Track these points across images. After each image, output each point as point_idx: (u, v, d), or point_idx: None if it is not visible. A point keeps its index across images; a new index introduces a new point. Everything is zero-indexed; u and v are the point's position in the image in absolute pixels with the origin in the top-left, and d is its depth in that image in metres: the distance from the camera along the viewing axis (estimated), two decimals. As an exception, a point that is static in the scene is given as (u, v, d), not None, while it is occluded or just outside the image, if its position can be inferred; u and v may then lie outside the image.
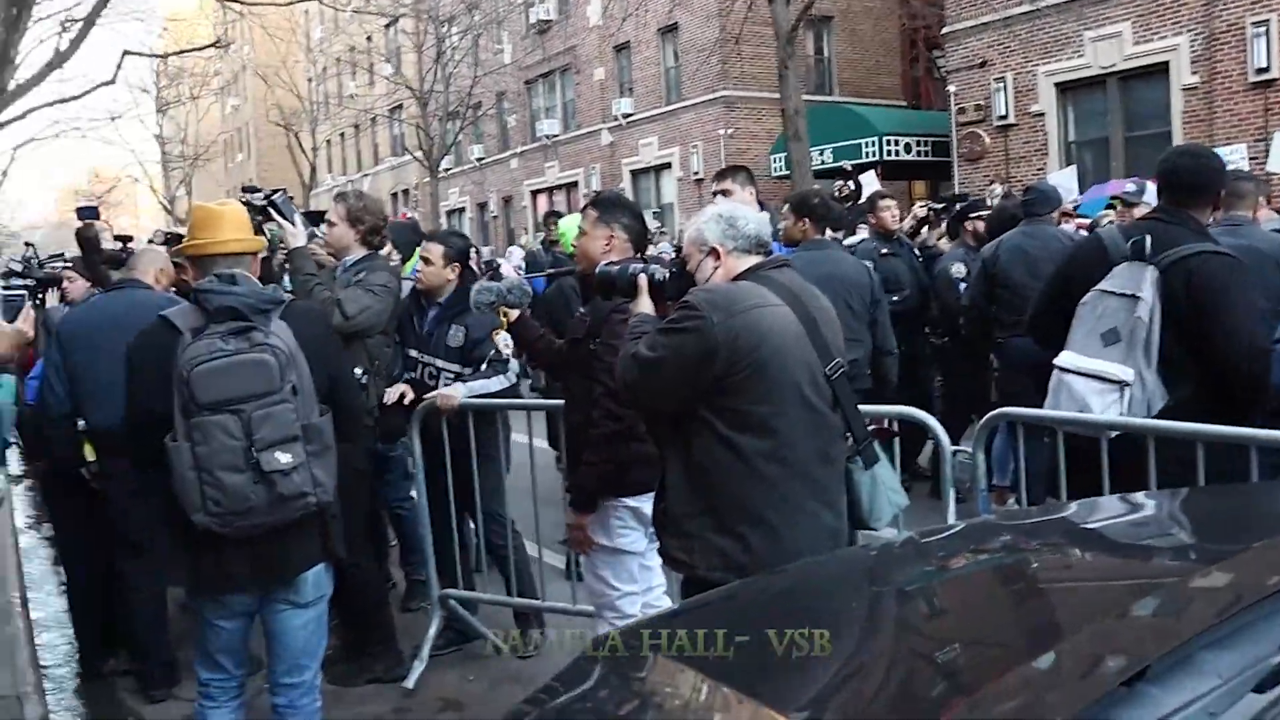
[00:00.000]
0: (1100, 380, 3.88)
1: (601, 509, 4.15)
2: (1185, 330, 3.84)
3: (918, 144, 23.78)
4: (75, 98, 20.50)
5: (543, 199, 35.78)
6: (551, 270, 6.82)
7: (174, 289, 5.37)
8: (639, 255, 4.19)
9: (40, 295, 7.32)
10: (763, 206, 6.21)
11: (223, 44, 23.88)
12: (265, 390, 3.28)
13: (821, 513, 3.12)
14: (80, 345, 5.09)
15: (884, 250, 8.20)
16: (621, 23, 21.88)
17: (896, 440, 4.41)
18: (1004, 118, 20.62)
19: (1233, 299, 3.84)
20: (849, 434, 3.24)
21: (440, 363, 5.57)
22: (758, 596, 2.52)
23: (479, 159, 38.60)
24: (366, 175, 47.78)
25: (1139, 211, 7.23)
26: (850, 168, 17.79)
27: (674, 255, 7.58)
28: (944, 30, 21.74)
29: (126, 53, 21.07)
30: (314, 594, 3.65)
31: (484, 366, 5.53)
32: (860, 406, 3.31)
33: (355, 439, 3.97)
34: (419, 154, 34.19)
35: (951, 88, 21.90)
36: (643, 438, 3.75)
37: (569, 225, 5.25)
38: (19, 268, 9.05)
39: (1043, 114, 20.05)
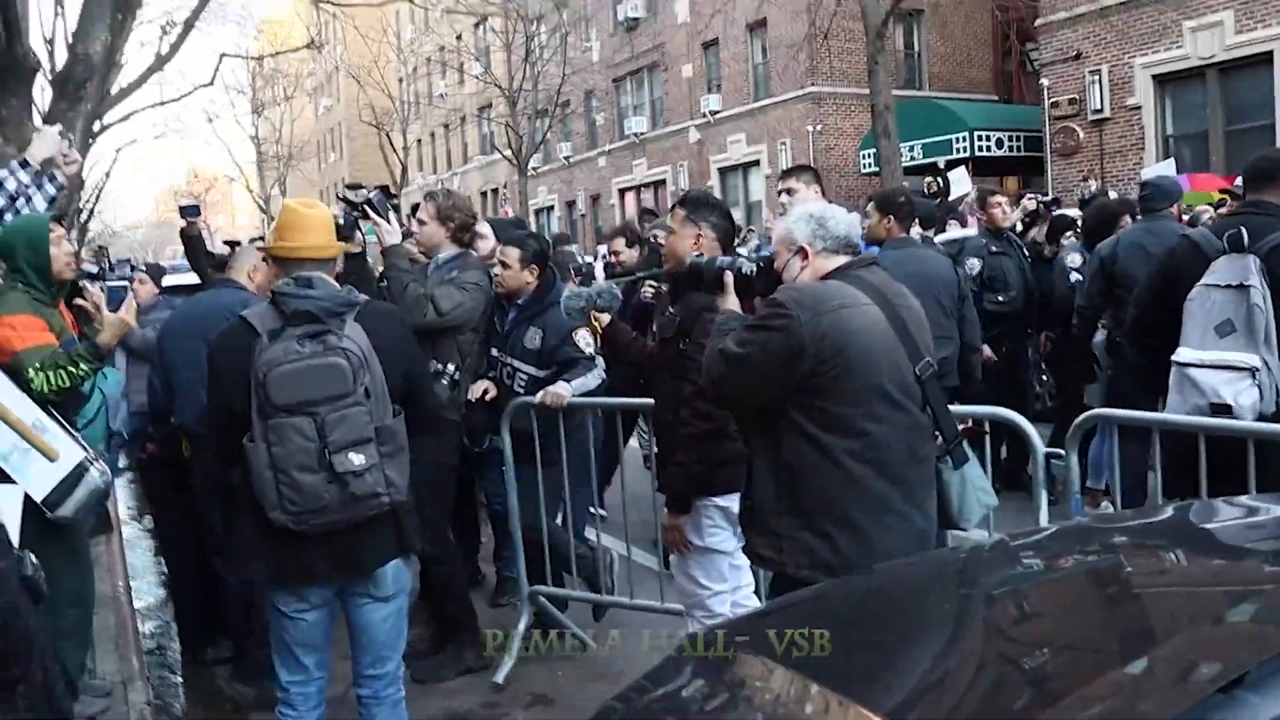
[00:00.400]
0: (1228, 370, 3.90)
1: (692, 508, 4.18)
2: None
3: (1009, 139, 23.43)
4: (176, 100, 21.12)
5: (630, 197, 35.88)
6: (639, 273, 6.82)
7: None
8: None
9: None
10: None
11: (316, 45, 24.35)
12: (339, 393, 3.35)
13: (910, 513, 3.11)
14: (171, 343, 5.25)
15: (993, 248, 8.08)
16: (710, 19, 21.86)
17: (988, 441, 4.35)
18: (1099, 111, 20.23)
19: None
20: (938, 433, 3.23)
21: (517, 363, 5.61)
22: (848, 596, 2.53)
23: (567, 157, 38.81)
24: (456, 174, 48.28)
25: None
26: (943, 165, 17.66)
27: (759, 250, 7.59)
28: (1037, 22, 21.39)
29: (224, 55, 21.63)
30: (394, 588, 3.72)
31: (575, 367, 5.58)
32: (950, 406, 3.30)
33: (433, 436, 4.03)
34: (508, 152, 34.45)
35: (1045, 81, 21.53)
36: (734, 436, 3.76)
37: None
38: (93, 269, 9.32)
39: (1139, 107, 19.63)
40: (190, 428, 5.07)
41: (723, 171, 31.27)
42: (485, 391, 5.50)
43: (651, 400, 4.66)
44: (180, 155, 65.64)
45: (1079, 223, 8.50)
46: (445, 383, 5.14)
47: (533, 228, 32.08)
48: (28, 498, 4.04)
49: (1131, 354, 6.34)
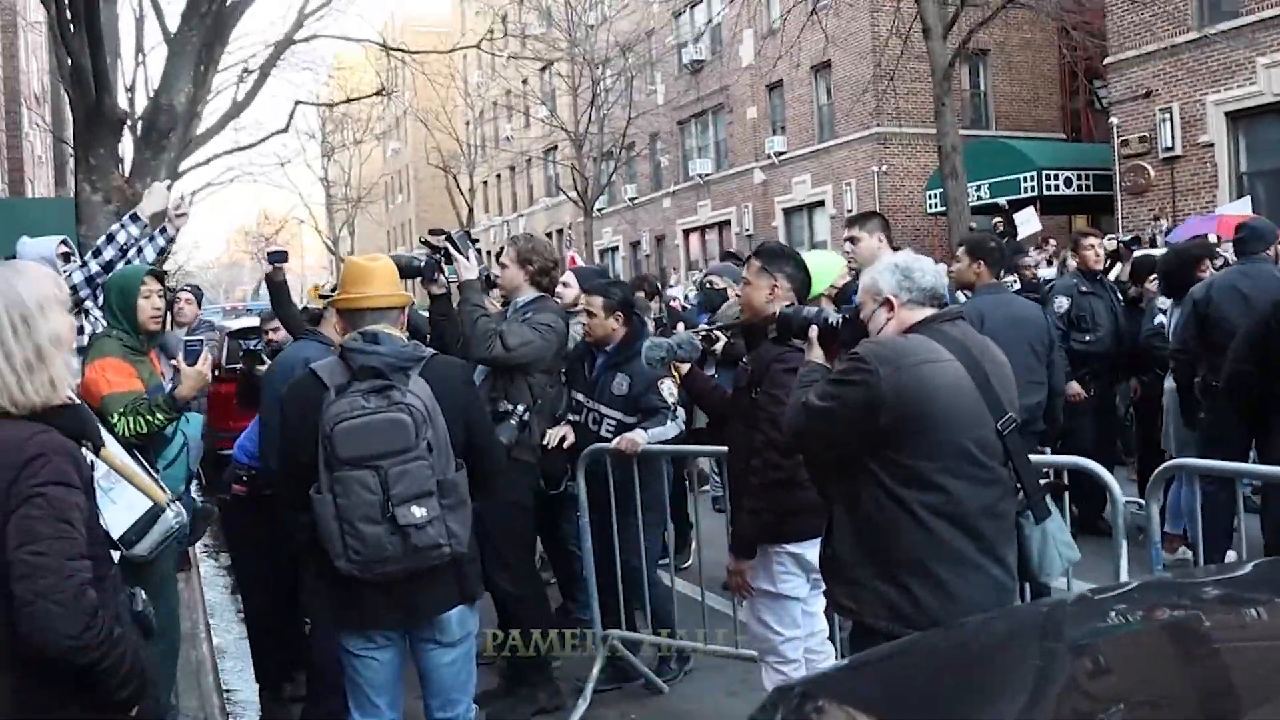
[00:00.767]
0: None
1: (764, 554, 4.20)
2: None
3: (1078, 178, 23.24)
4: (252, 145, 21.53)
5: (695, 238, 36.04)
6: (722, 324, 6.83)
7: None
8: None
9: None
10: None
11: (387, 92, 24.76)
12: (402, 448, 3.44)
13: (990, 567, 3.10)
14: (266, 391, 5.39)
15: (1084, 288, 8.00)
16: (775, 63, 21.94)
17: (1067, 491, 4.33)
18: (1170, 149, 20.06)
19: None
20: (1020, 488, 3.22)
21: (605, 409, 5.67)
22: (932, 652, 2.54)
23: (632, 198, 39.07)
24: (522, 215, 48.76)
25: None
26: (1006, 204, 17.56)
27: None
28: (1106, 60, 21.26)
29: (298, 103, 22.04)
30: (459, 633, 3.78)
31: (656, 415, 5.64)
32: (1032, 455, 3.29)
33: (493, 486, 4.09)
34: (573, 194, 34.76)
35: (1114, 119, 21.40)
36: (805, 484, 3.79)
37: (824, 264, 4.93)
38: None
39: (1212, 144, 19.44)
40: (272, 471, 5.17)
41: (787, 212, 31.31)
42: (563, 438, 5.57)
43: (725, 447, 4.70)
44: (251, 197, 66.95)
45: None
46: (514, 423, 5.17)
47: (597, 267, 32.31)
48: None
49: (1226, 402, 6.28)
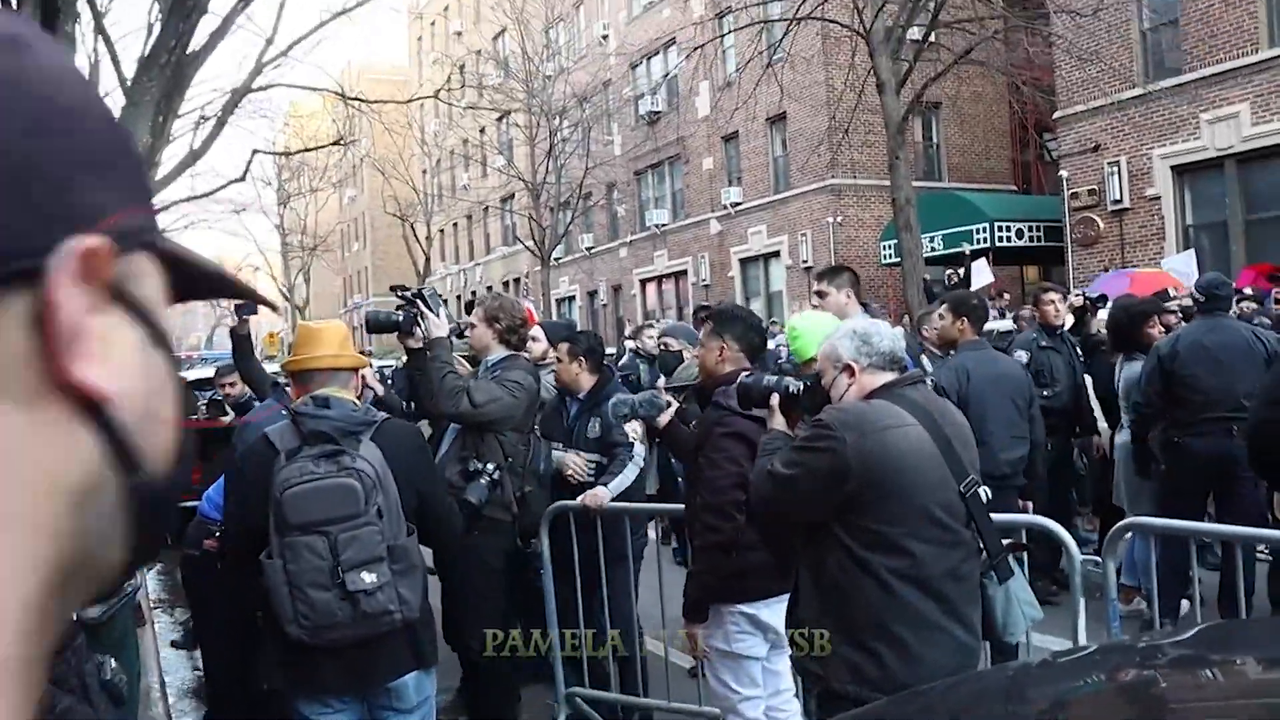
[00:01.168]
0: None
1: (717, 614, 4.25)
2: None
3: (1030, 229, 23.56)
4: (209, 194, 21.40)
5: (652, 287, 36.17)
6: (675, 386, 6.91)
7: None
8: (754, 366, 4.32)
9: None
10: (866, 307, 6.21)
11: (345, 141, 24.77)
12: (351, 513, 3.46)
13: (955, 629, 3.14)
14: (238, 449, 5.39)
15: (1043, 343, 8.06)
16: (731, 115, 22.20)
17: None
18: (1118, 201, 20.42)
19: None
20: (983, 550, 3.26)
21: (583, 454, 5.75)
22: (900, 717, 2.58)
23: (589, 248, 39.18)
24: (479, 264, 48.78)
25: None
26: (969, 253, 17.79)
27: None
28: (1055, 115, 21.64)
29: (256, 151, 21.98)
30: (416, 698, 3.78)
31: (617, 453, 5.71)
32: (993, 515, 3.34)
33: (450, 551, 4.10)
34: (530, 243, 34.79)
35: (1064, 172, 21.76)
36: (753, 546, 3.86)
37: (806, 327, 4.87)
38: None
39: (1159, 197, 19.81)
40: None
41: (744, 262, 31.51)
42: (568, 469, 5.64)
43: (683, 505, 4.76)
44: (206, 244, 66.61)
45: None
46: (484, 482, 5.17)
47: (554, 317, 32.32)
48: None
49: (1192, 455, 6.39)
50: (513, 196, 41.22)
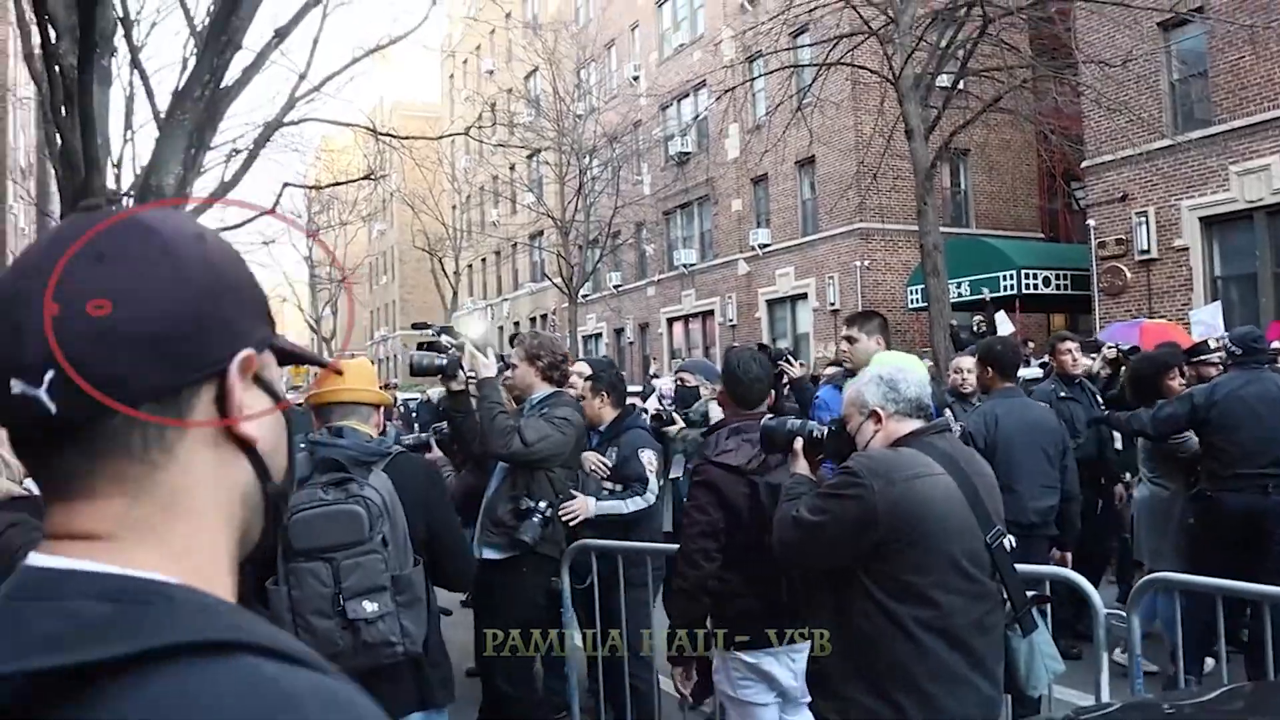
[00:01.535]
0: None
1: (722, 660, 4.29)
2: None
3: (1056, 277, 23.49)
4: (238, 225, 21.53)
5: (679, 326, 36.22)
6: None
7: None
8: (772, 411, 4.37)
9: None
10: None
11: (376, 176, 24.95)
12: (355, 540, 3.45)
13: (978, 682, 3.11)
14: None
15: (1062, 393, 7.94)
16: (760, 157, 22.27)
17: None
18: (1146, 252, 20.35)
19: None
20: (1007, 601, 3.24)
21: (607, 486, 5.81)
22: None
23: (617, 286, 39.28)
24: (506, 299, 48.96)
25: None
26: (990, 299, 17.77)
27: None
28: (1083, 164, 21.64)
29: (286, 184, 22.13)
30: None
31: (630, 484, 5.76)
32: (1018, 567, 3.32)
33: (463, 583, 4.09)
34: (558, 280, 34.91)
35: (1091, 221, 21.72)
36: (741, 593, 3.93)
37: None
38: None
39: (1186, 249, 19.73)
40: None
41: (771, 304, 31.54)
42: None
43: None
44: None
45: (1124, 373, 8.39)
46: (537, 520, 5.19)
47: (580, 354, 32.38)
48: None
49: (1226, 509, 6.33)
50: (541, 233, 41.44)
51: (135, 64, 16.23)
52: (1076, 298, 23.25)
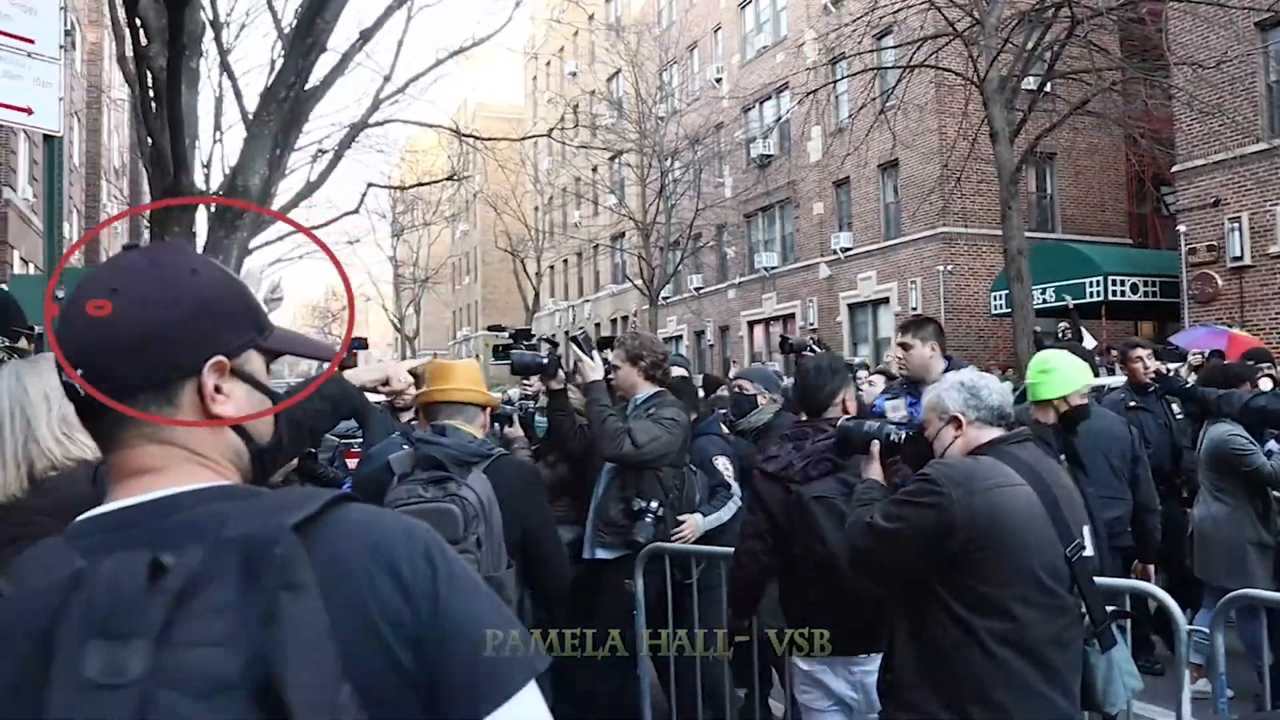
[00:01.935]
0: None
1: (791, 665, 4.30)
2: None
3: (1145, 284, 23.02)
4: (323, 225, 21.91)
5: (759, 329, 36.12)
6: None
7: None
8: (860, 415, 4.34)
9: None
10: (950, 361, 5.90)
11: (459, 177, 25.24)
12: (448, 539, 3.44)
13: (1055, 698, 3.03)
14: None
15: (1132, 402, 7.68)
16: (843, 160, 22.15)
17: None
18: (1238, 258, 19.88)
19: None
20: (1087, 616, 3.17)
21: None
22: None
23: (697, 288, 39.26)
24: (588, 301, 49.17)
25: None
26: (1072, 305, 17.49)
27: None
28: (1174, 168, 21.19)
29: (370, 185, 22.50)
30: None
31: (711, 495, 5.74)
32: (1097, 580, 3.25)
33: (551, 593, 4.11)
34: (639, 282, 35.00)
35: (1181, 227, 21.27)
36: (792, 600, 4.02)
37: (1062, 364, 5.14)
38: None
39: (1281, 255, 19.27)
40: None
41: (852, 308, 31.33)
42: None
43: None
44: (321, 274, 68.30)
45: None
46: (649, 520, 5.18)
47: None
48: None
49: None
50: (623, 235, 41.59)
51: (224, 66, 16.60)
52: (1165, 305, 22.77)
